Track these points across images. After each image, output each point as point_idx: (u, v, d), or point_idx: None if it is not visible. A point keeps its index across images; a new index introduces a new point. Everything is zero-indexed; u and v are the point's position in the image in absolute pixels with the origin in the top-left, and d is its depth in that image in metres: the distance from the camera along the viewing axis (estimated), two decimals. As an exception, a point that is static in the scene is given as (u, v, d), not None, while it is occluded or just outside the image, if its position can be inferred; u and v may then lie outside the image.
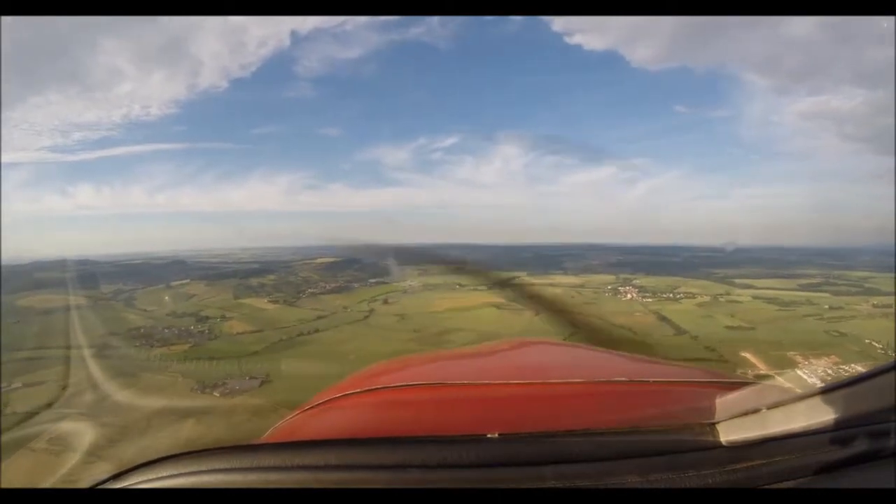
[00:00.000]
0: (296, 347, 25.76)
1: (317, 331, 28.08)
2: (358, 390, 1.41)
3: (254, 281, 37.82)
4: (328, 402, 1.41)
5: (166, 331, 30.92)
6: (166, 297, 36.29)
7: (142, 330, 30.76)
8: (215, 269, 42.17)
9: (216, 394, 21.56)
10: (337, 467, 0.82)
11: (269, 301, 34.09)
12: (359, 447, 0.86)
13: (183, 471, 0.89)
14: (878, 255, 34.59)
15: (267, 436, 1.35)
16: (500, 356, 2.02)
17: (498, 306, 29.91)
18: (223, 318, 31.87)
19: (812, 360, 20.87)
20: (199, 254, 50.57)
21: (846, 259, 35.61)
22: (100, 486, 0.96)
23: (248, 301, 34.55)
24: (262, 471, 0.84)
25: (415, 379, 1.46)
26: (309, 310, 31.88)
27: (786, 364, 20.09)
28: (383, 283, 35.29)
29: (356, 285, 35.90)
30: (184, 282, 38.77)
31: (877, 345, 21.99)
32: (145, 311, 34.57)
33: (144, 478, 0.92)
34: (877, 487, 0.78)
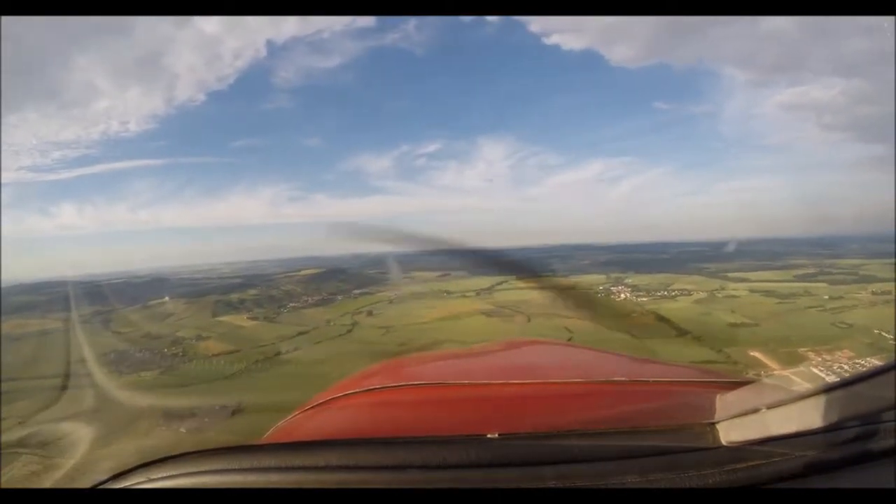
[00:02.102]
0: (273, 368, 23.24)
1: (297, 348, 25.53)
2: (358, 390, 1.39)
3: (234, 297, 35.27)
4: (328, 402, 1.38)
5: (138, 355, 28.43)
6: (142, 318, 33.70)
7: (112, 355, 28.02)
8: (196, 286, 39.94)
9: (182, 429, 18.98)
10: (337, 467, 0.80)
11: (249, 318, 31.46)
12: (359, 447, 0.84)
13: (183, 471, 0.86)
14: (865, 242, 33.70)
15: (267, 436, 1.32)
16: (500, 356, 1.92)
17: (487, 313, 28.03)
18: (199, 338, 29.62)
19: (825, 356, 19.00)
20: (183, 270, 48.60)
21: (835, 247, 34.24)
22: (100, 487, 0.93)
23: (226, 319, 32.04)
24: (262, 471, 0.81)
25: (414, 379, 1.43)
26: (290, 325, 29.27)
27: (799, 362, 18.21)
28: (368, 293, 32.95)
29: (340, 297, 33.53)
30: (162, 300, 36.12)
31: (887, 335, 20.25)
32: (120, 333, 31.92)
33: (144, 478, 0.89)
34: (877, 487, 0.76)
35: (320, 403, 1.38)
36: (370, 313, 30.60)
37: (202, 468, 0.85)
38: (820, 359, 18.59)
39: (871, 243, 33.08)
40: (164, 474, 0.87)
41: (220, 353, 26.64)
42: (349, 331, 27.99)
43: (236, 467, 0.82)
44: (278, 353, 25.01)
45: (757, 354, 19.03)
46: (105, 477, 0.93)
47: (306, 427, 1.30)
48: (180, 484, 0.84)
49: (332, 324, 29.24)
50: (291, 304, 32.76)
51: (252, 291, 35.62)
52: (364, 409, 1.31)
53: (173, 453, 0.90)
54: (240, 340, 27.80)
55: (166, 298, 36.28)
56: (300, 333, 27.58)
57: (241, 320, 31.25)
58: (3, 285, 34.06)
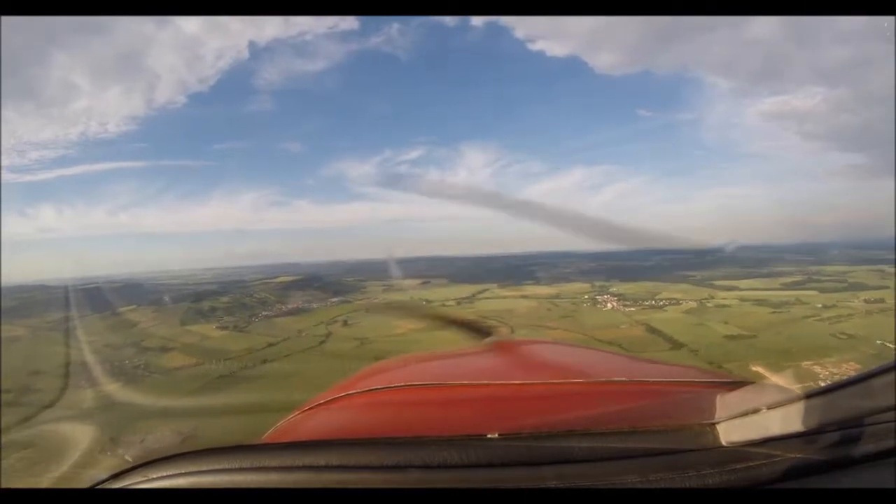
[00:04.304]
0: (236, 385, 20.45)
1: (264, 361, 22.73)
2: (358, 390, 1.34)
3: (206, 304, 32.30)
4: (328, 402, 1.31)
5: (99, 367, 25.34)
6: (109, 326, 30.57)
7: (70, 367, 25.03)
8: (172, 292, 36.78)
9: (128, 457, 16.16)
10: (337, 467, 0.77)
11: (218, 327, 28.53)
12: (359, 447, 0.81)
13: (183, 471, 0.83)
14: (846, 249, 32.43)
15: (267, 436, 1.25)
16: (500, 356, 1.75)
17: (469, 324, 25.55)
18: (164, 349, 26.63)
19: (831, 370, 16.93)
20: (161, 275, 45.99)
21: (817, 254, 32.83)
22: (100, 486, 0.90)
23: (195, 328, 29.15)
24: (262, 471, 0.79)
25: (415, 379, 1.38)
26: (259, 336, 26.38)
27: (804, 376, 15.95)
28: (346, 301, 30.21)
29: (315, 305, 30.83)
30: (130, 307, 32.83)
31: (891, 346, 18.46)
32: (85, 342, 28.77)
33: (144, 478, 0.86)
34: (877, 487, 0.73)
35: (320, 403, 1.31)
36: (345, 323, 27.98)
37: (202, 468, 0.81)
38: (827, 373, 16.51)
39: (852, 250, 31.89)
40: (164, 474, 0.83)
41: (182, 367, 24.01)
42: (322, 342, 25.39)
43: (236, 467, 0.79)
44: (243, 368, 22.20)
45: (759, 370, 16.92)
46: (104, 476, 0.89)
47: (306, 427, 1.24)
48: (179, 484, 0.81)
49: (304, 334, 26.63)
50: (264, 313, 30.07)
51: (224, 299, 32.79)
52: (364, 409, 1.25)
53: (172, 453, 0.85)
54: (205, 353, 25.01)
55: (165, 298, 33.95)
56: (269, 345, 24.75)
57: (209, 330, 28.52)
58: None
